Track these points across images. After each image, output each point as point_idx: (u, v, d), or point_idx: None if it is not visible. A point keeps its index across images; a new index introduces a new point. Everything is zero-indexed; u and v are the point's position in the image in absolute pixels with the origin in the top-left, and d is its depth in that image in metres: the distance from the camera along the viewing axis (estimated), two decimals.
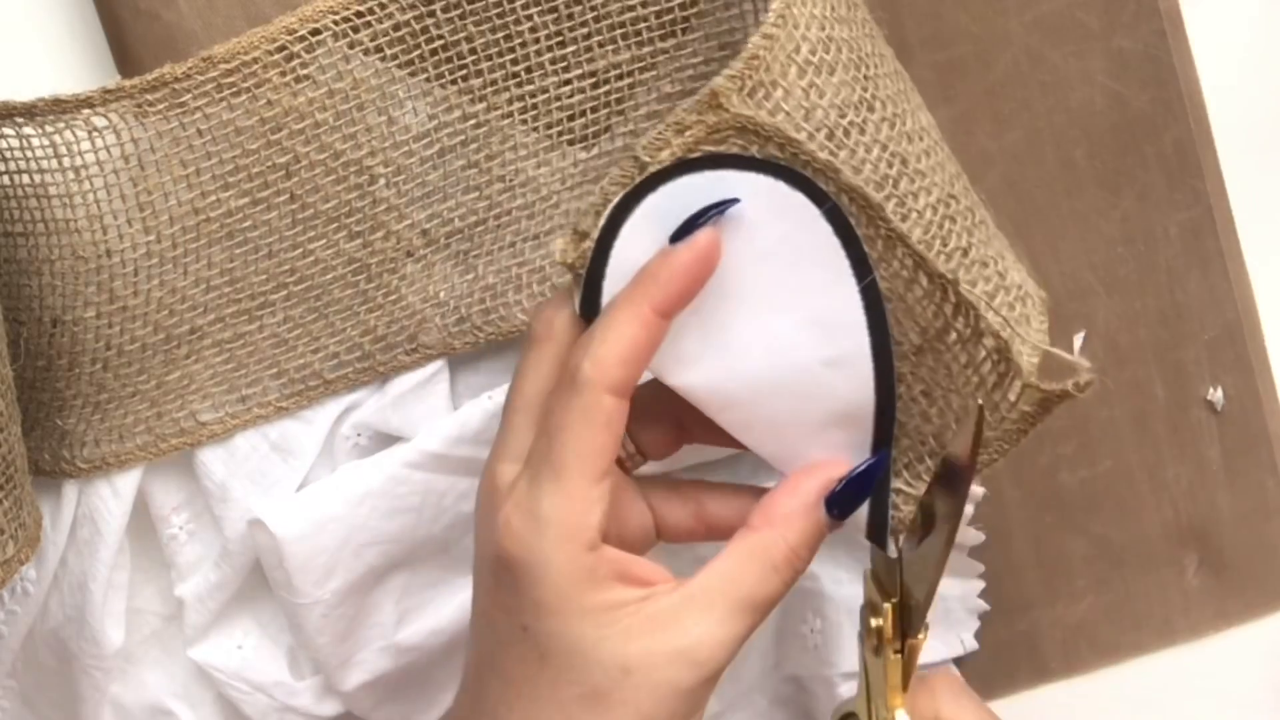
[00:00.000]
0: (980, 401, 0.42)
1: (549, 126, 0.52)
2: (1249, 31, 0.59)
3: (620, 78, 0.51)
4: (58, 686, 0.54)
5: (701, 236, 0.41)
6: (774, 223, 0.42)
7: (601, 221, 0.42)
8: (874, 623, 0.44)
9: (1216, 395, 0.58)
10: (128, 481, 0.52)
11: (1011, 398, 0.43)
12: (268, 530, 0.51)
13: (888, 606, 0.44)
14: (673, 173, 0.41)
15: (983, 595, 0.57)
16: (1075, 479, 0.57)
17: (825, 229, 0.42)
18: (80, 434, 0.51)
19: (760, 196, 0.41)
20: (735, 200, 0.41)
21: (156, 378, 0.51)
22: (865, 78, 0.42)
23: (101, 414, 0.51)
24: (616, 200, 0.42)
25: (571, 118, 0.52)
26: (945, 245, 0.43)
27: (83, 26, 0.53)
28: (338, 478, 0.53)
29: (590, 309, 0.42)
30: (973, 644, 0.57)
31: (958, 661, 0.57)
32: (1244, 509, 0.58)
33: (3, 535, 0.46)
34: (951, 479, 0.42)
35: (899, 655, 0.44)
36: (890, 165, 0.42)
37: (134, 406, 0.52)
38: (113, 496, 0.52)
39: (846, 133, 0.41)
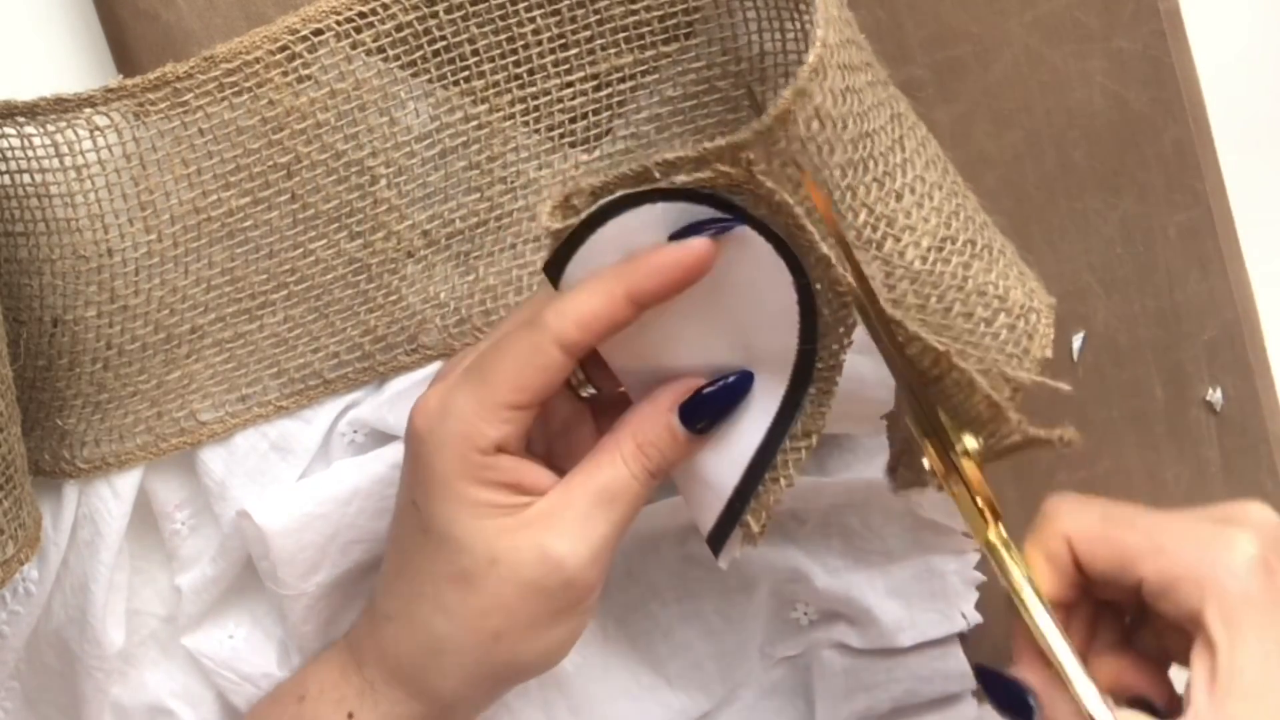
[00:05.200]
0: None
1: (550, 129, 0.52)
2: (1249, 31, 0.59)
3: (622, 81, 0.51)
4: (60, 687, 0.54)
5: (697, 243, 0.42)
6: (750, 269, 0.43)
7: (595, 206, 0.43)
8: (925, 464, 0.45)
9: (1216, 396, 0.58)
10: (128, 482, 0.52)
11: (1002, 439, 0.45)
12: (254, 523, 0.51)
13: (926, 443, 0.44)
14: (678, 196, 0.42)
15: (981, 595, 0.57)
16: (1074, 479, 0.57)
17: (792, 297, 0.44)
18: (80, 434, 0.51)
19: (748, 244, 0.43)
20: (739, 222, 0.42)
21: (157, 377, 0.51)
22: (864, 134, 0.43)
23: (102, 414, 0.51)
24: (617, 195, 0.42)
25: (573, 120, 0.52)
26: (938, 288, 0.44)
27: (83, 26, 0.53)
28: (328, 475, 0.53)
29: (554, 270, 0.44)
30: (975, 616, 0.57)
31: (962, 638, 0.57)
32: None
33: (2, 535, 0.46)
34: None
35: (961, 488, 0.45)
36: (875, 229, 0.43)
37: (134, 406, 0.52)
38: (113, 497, 0.52)
39: (842, 196, 0.42)
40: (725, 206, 0.42)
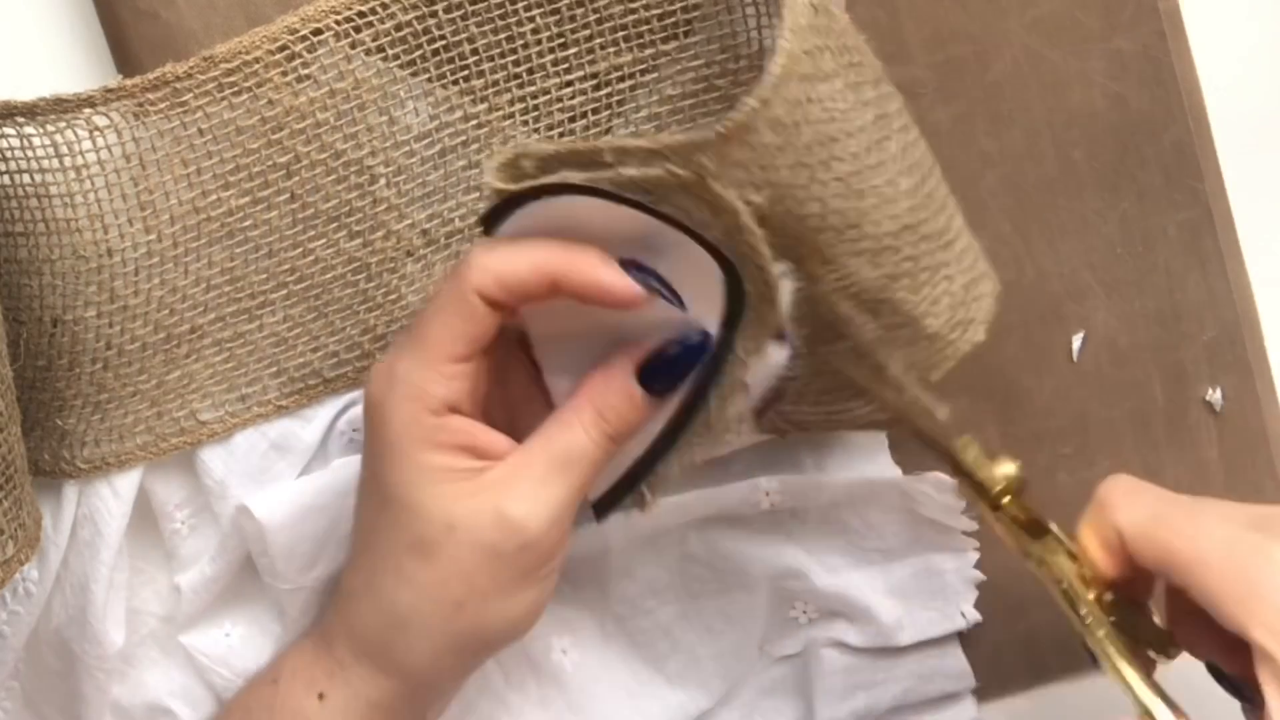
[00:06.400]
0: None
1: (550, 128, 0.52)
2: (1249, 31, 0.59)
3: (621, 80, 0.51)
4: (60, 688, 0.54)
5: (631, 289, 0.43)
6: (685, 275, 0.44)
7: (541, 182, 0.43)
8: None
9: (1215, 396, 0.58)
10: (128, 482, 0.52)
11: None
12: (253, 517, 0.51)
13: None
14: (622, 200, 0.43)
15: (980, 592, 0.57)
16: (1074, 480, 0.57)
17: (718, 293, 0.44)
18: (80, 434, 0.51)
19: (685, 250, 0.43)
20: (679, 302, 0.44)
21: (157, 377, 0.52)
22: (828, 138, 0.43)
23: (102, 414, 0.51)
24: (563, 180, 0.43)
25: (572, 119, 0.52)
26: (894, 281, 0.46)
27: (83, 26, 0.53)
28: (327, 471, 0.53)
29: (489, 225, 0.45)
30: (975, 615, 0.57)
31: (961, 636, 0.57)
32: None
33: (2, 535, 0.46)
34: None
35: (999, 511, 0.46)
36: (823, 220, 0.44)
37: (134, 406, 0.52)
38: (113, 497, 0.52)
39: (789, 191, 0.42)
40: (667, 220, 0.43)
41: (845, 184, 0.43)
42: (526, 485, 0.45)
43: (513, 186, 0.43)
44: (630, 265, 0.44)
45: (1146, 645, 0.46)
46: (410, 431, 0.45)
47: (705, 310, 0.45)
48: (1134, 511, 0.44)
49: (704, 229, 0.43)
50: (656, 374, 0.46)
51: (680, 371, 0.46)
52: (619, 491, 0.48)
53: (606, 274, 0.43)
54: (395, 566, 0.45)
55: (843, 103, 0.43)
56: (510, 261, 0.44)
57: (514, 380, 0.48)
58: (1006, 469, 0.47)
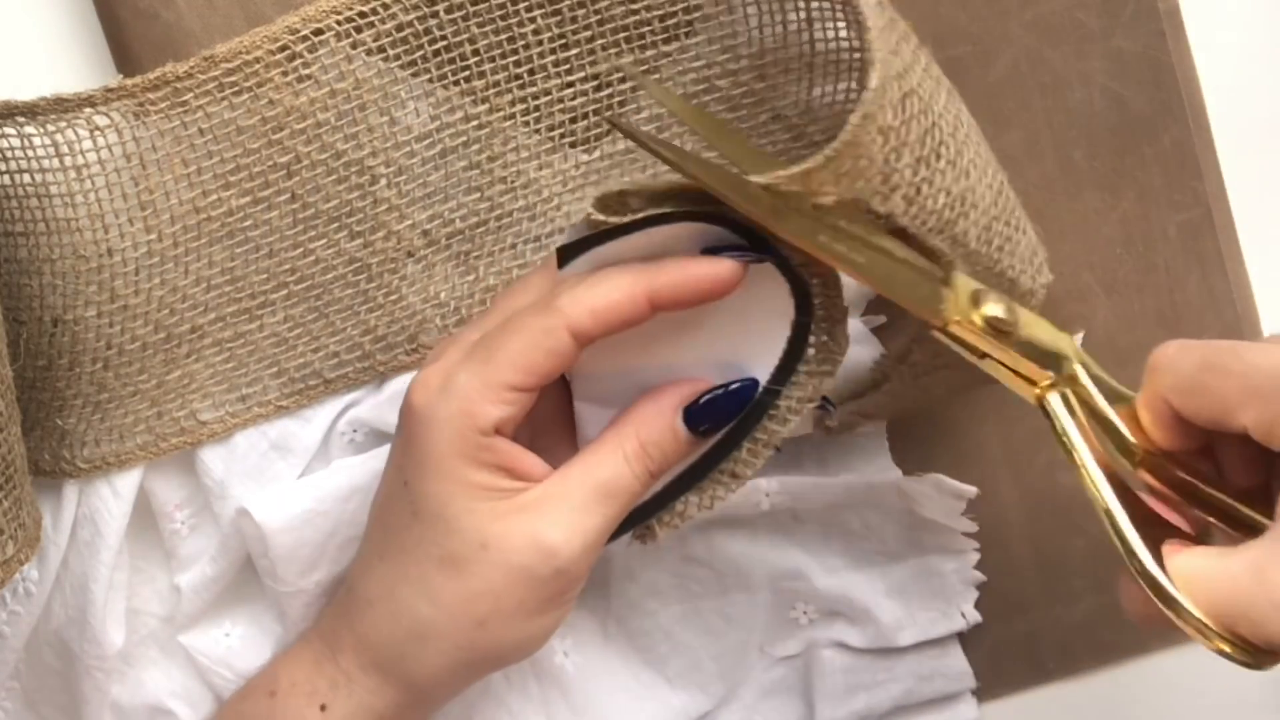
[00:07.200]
0: None
1: (551, 129, 0.52)
2: (1249, 31, 0.59)
3: (623, 81, 0.51)
4: (60, 688, 0.54)
5: (728, 264, 0.43)
6: (752, 297, 0.44)
7: (644, 215, 0.43)
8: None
9: None
10: (128, 482, 0.52)
11: None
12: (253, 520, 0.51)
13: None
14: (714, 219, 0.43)
15: (980, 592, 0.57)
16: (1074, 479, 0.57)
17: (784, 335, 0.45)
18: (81, 434, 0.51)
19: (762, 274, 0.43)
20: (768, 257, 0.43)
21: (157, 377, 0.51)
22: (931, 126, 0.43)
23: (102, 414, 0.51)
24: (668, 210, 0.43)
25: (573, 120, 0.52)
26: (1000, 251, 0.46)
27: (83, 26, 0.53)
28: (328, 473, 0.53)
29: (568, 254, 0.45)
30: (975, 615, 0.57)
31: (961, 637, 0.57)
32: None
33: (2, 535, 0.46)
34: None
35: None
36: (953, 209, 0.44)
37: (134, 406, 0.51)
38: (113, 497, 0.52)
39: (917, 191, 0.42)
40: (751, 236, 0.43)
41: (953, 165, 0.43)
42: (564, 511, 0.45)
43: (615, 219, 0.43)
44: (712, 251, 0.43)
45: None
46: (455, 446, 0.44)
47: (759, 356, 0.45)
48: (1181, 366, 0.42)
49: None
50: (703, 415, 0.46)
51: (727, 415, 0.46)
52: (631, 520, 0.48)
53: (697, 266, 0.43)
54: (420, 578, 0.45)
55: (925, 86, 0.43)
56: (603, 291, 0.43)
57: (543, 397, 0.47)
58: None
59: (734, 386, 0.46)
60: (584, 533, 0.45)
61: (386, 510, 0.47)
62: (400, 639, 0.46)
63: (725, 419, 0.46)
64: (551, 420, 0.48)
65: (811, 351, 0.45)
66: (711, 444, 0.47)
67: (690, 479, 0.47)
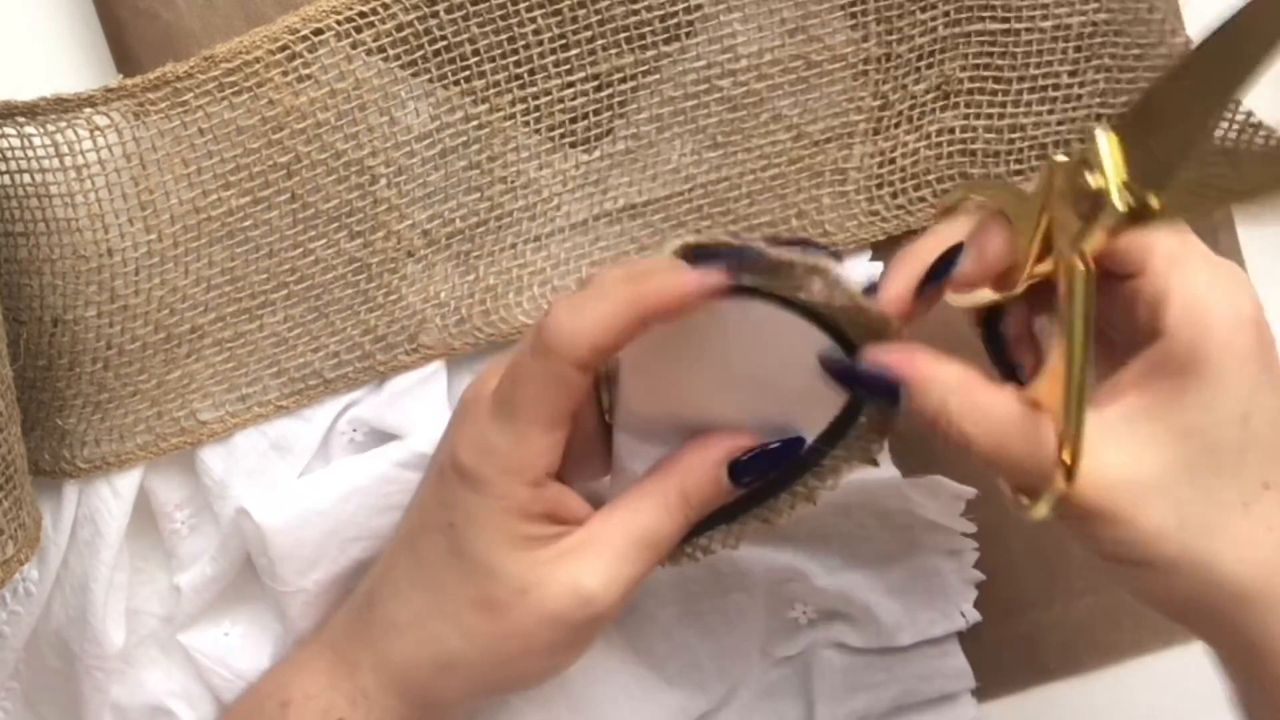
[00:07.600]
0: None
1: (551, 129, 0.52)
2: None
3: (623, 81, 0.51)
4: (60, 688, 0.54)
5: (699, 279, 0.42)
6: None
7: (764, 284, 0.42)
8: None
9: None
10: (128, 482, 0.52)
11: None
12: (252, 520, 0.51)
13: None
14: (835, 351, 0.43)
15: (980, 592, 0.57)
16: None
17: (840, 399, 0.45)
18: (81, 434, 0.51)
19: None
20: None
21: (157, 377, 0.52)
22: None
23: (102, 413, 0.51)
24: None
25: (574, 120, 0.52)
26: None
27: (83, 26, 0.53)
28: (328, 473, 0.53)
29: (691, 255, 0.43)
30: (975, 615, 0.57)
31: (961, 636, 0.57)
32: None
33: (2, 535, 0.46)
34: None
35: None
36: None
37: (134, 406, 0.52)
38: (113, 497, 0.52)
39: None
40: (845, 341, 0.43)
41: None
42: (604, 560, 0.44)
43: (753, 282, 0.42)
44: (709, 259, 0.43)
45: None
46: (506, 503, 0.44)
47: (809, 412, 0.45)
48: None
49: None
50: (748, 469, 0.45)
51: (770, 469, 0.46)
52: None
53: (677, 280, 0.42)
54: (454, 614, 0.45)
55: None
56: (596, 321, 0.42)
57: (573, 428, 0.47)
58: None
59: (783, 443, 0.45)
60: (623, 582, 0.45)
61: (422, 538, 0.47)
62: (426, 666, 0.46)
63: (768, 472, 0.46)
64: (584, 441, 0.47)
65: (863, 420, 0.45)
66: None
67: (721, 518, 0.47)
